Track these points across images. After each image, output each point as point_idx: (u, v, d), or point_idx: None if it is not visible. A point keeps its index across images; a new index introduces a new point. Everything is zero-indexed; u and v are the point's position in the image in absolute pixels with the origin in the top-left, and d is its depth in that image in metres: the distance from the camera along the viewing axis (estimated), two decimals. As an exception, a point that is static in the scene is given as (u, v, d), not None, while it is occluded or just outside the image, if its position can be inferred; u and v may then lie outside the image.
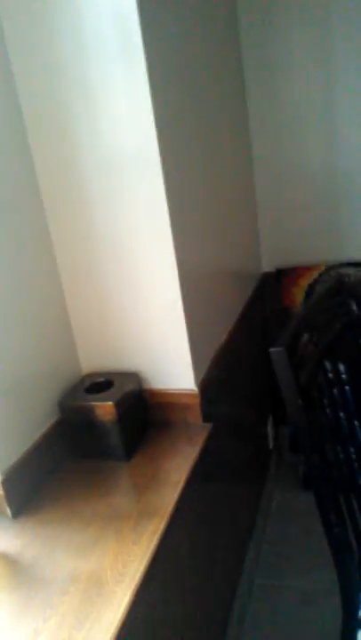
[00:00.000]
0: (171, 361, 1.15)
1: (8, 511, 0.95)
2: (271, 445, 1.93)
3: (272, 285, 1.85)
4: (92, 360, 1.19)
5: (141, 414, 1.17)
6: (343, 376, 1.13)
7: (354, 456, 1.09)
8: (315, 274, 1.76)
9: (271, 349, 0.85)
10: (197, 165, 1.21)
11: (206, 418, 1.19)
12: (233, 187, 1.55)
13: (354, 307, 1.25)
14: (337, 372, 1.08)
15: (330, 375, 1.05)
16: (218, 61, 1.41)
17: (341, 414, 1.09)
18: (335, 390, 1.06)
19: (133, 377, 1.15)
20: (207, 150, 1.29)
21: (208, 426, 1.17)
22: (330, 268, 1.74)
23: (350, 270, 1.72)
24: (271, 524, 1.80)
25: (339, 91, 1.60)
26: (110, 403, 1.06)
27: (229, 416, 1.44)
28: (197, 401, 1.16)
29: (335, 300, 1.12)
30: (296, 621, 1.46)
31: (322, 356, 1.01)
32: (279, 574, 1.61)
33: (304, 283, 1.76)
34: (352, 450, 1.09)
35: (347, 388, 1.15)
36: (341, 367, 1.14)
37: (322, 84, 1.61)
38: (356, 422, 1.16)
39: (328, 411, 1.02)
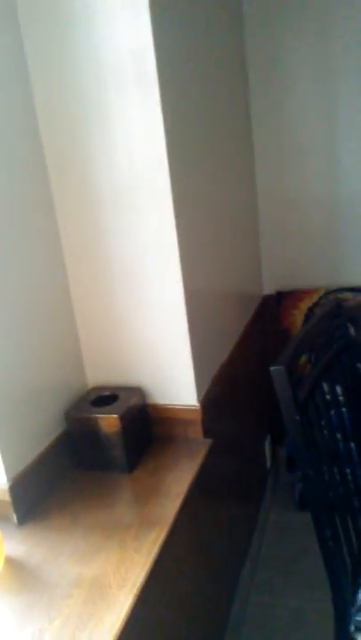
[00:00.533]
0: (174, 377, 1.19)
1: (14, 517, 0.99)
2: (269, 465, 1.96)
3: (272, 307, 1.90)
4: (99, 374, 1.24)
5: (145, 428, 1.21)
6: (340, 398, 1.18)
7: (350, 477, 1.13)
8: (314, 297, 1.81)
9: (271, 367, 0.90)
10: (205, 193, 1.27)
11: (207, 434, 1.23)
12: (238, 213, 1.61)
13: (351, 330, 1.30)
14: (334, 394, 1.13)
15: (327, 397, 1.10)
16: (227, 96, 1.49)
17: (338, 435, 1.13)
18: (332, 411, 1.10)
19: (138, 391, 1.20)
20: (215, 179, 1.35)
21: (208, 441, 1.21)
22: (329, 292, 1.80)
23: (349, 295, 1.77)
24: (267, 542, 1.82)
25: (341, 123, 1.68)
26: (115, 416, 1.10)
27: (229, 433, 1.48)
28: (199, 417, 1.20)
29: (333, 323, 1.17)
30: (291, 638, 1.47)
31: (319, 375, 1.06)
32: (274, 592, 1.63)
33: (303, 306, 1.82)
34: (348, 470, 1.13)
35: (343, 409, 1.20)
36: (338, 389, 1.19)
37: (325, 117, 1.68)
38: (352, 444, 1.20)
39: (325, 431, 1.06)
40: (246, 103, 1.71)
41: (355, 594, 1.08)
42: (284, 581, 1.66)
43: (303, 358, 1.07)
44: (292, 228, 1.84)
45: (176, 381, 1.20)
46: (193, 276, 1.17)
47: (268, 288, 1.93)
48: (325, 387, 1.11)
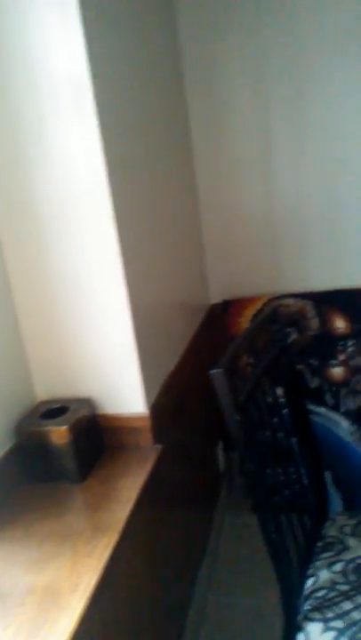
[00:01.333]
0: (123, 387, 1.23)
1: (-34, 533, 0.99)
2: (222, 468, 2.01)
3: (220, 316, 1.96)
4: (48, 387, 1.26)
5: (95, 438, 1.23)
6: (281, 399, 1.25)
7: (294, 474, 1.19)
8: (258, 305, 1.88)
9: (211, 371, 0.95)
10: (146, 207, 1.32)
11: (157, 440, 1.26)
12: (181, 226, 1.67)
13: (294, 334, 1.37)
14: (274, 394, 1.19)
15: (268, 397, 1.16)
16: (165, 112, 1.55)
17: (280, 434, 1.19)
18: (274, 411, 1.16)
19: (87, 403, 1.22)
20: (155, 193, 1.41)
21: (158, 448, 1.25)
22: (272, 299, 1.88)
23: (290, 301, 1.86)
24: (224, 544, 1.87)
25: (276, 137, 1.77)
26: (64, 427, 1.12)
27: (179, 439, 1.52)
28: (148, 424, 1.24)
29: (272, 328, 1.24)
30: (247, 637, 1.52)
31: (260, 376, 1.12)
32: (231, 592, 1.67)
33: (248, 313, 1.89)
34: (291, 467, 1.19)
35: (285, 409, 1.27)
36: (279, 391, 1.25)
37: (261, 132, 1.77)
38: (293, 440, 1.27)
39: (268, 432, 1.12)
40: (185, 118, 1.78)
41: (302, 584, 1.14)
42: (241, 581, 1.70)
43: (245, 360, 1.12)
44: (235, 239, 1.91)
45: (125, 391, 1.23)
46: (138, 288, 1.21)
47: (215, 297, 1.99)
48: (267, 387, 1.17)
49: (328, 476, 1.90)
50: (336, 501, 1.91)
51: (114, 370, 1.22)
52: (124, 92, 1.21)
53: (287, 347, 1.26)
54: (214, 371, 0.94)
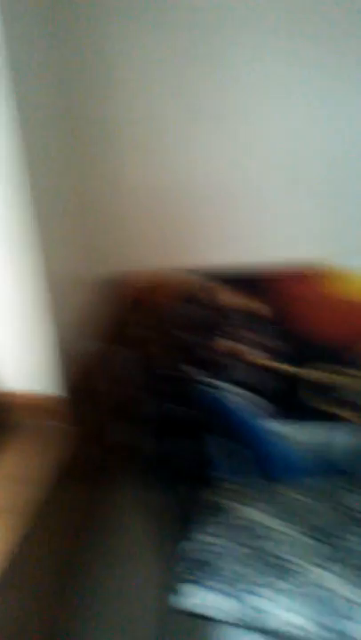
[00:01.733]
0: (36, 368, 1.17)
1: None
2: (129, 445, 2.01)
3: (114, 291, 1.94)
4: None
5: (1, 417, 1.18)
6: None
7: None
8: (151, 279, 1.88)
9: (110, 349, 0.93)
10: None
11: (66, 420, 1.22)
12: (63, 205, 1.61)
13: (185, 308, 1.38)
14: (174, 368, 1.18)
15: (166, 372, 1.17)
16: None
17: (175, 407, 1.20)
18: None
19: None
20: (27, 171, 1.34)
21: (67, 428, 1.21)
22: (165, 273, 1.88)
23: (183, 275, 1.87)
24: (113, 515, 1.87)
25: (166, 113, 1.75)
26: None
27: (96, 421, 1.49)
28: (58, 403, 1.19)
29: (173, 304, 1.23)
30: (138, 603, 1.54)
31: (157, 351, 1.12)
32: (121, 562, 1.69)
33: (140, 287, 1.88)
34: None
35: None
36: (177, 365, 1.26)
37: (148, 107, 1.75)
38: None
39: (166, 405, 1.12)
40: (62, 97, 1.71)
41: (181, 547, 1.17)
42: (130, 550, 1.72)
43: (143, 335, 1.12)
44: (124, 214, 1.86)
45: (38, 371, 1.18)
46: (54, 257, 1.16)
47: (108, 272, 1.96)
48: (165, 361, 1.17)
49: (217, 443, 1.96)
50: (225, 469, 1.98)
51: (28, 351, 1.16)
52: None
53: (172, 321, 1.26)
54: (112, 349, 0.92)
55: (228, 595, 1.03)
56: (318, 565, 1.06)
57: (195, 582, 1.06)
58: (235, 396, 1.92)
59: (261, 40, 1.67)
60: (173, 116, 1.75)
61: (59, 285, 1.26)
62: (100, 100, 1.75)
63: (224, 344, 1.89)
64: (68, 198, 1.63)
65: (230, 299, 1.86)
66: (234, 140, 1.76)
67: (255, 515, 1.21)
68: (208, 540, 1.16)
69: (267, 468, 1.96)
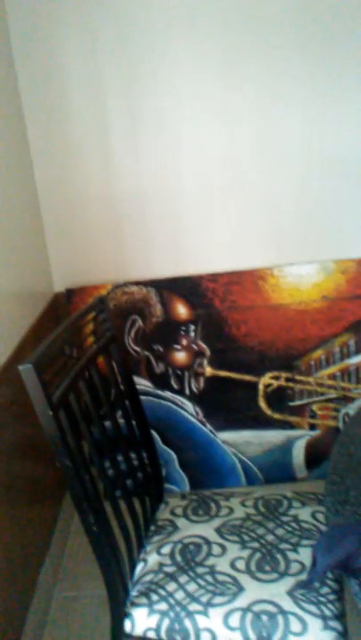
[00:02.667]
0: None
1: None
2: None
3: (64, 305, 1.91)
4: None
5: None
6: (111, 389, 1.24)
7: (123, 463, 1.19)
8: (103, 292, 1.86)
9: (19, 366, 0.90)
10: None
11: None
12: (13, 214, 1.58)
13: (139, 321, 1.36)
14: (94, 387, 1.16)
15: (94, 388, 1.14)
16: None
17: (109, 423, 1.18)
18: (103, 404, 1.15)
19: None
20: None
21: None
22: (116, 286, 1.86)
23: (135, 288, 1.86)
24: (72, 538, 1.84)
25: (112, 125, 1.74)
26: None
27: (16, 436, 1.45)
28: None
29: (98, 317, 1.22)
30: (95, 628, 1.51)
31: (82, 369, 1.09)
32: (78, 585, 1.66)
33: (92, 301, 1.85)
34: (119, 456, 1.19)
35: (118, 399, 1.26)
36: (110, 380, 1.24)
37: (98, 119, 1.73)
38: (125, 427, 1.27)
39: (94, 424, 1.10)
40: (17, 106, 1.68)
41: (133, 570, 1.15)
42: (88, 574, 1.69)
43: (67, 351, 1.09)
44: (77, 226, 1.86)
45: None
46: None
47: (59, 285, 1.93)
48: (95, 379, 1.15)
49: (174, 458, 1.96)
50: (183, 482, 1.98)
51: None
52: None
53: (115, 335, 1.25)
54: (22, 366, 0.90)
55: (180, 618, 1.02)
56: (266, 581, 1.07)
57: (147, 606, 1.05)
58: (190, 408, 1.92)
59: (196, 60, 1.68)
60: (120, 130, 1.74)
61: None
62: (61, 130, 1.73)
63: (176, 355, 1.89)
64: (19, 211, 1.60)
65: (181, 310, 1.85)
66: (178, 157, 1.77)
67: (208, 532, 1.20)
68: (160, 560, 1.14)
69: (219, 479, 1.97)
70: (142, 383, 1.90)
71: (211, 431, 1.95)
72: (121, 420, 1.21)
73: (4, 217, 1.49)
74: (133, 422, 1.28)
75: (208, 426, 1.95)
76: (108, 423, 1.14)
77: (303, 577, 1.07)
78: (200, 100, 1.71)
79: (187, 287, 1.85)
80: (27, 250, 1.69)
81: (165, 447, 1.95)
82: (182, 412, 1.94)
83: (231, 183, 1.80)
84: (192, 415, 1.94)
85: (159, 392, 1.93)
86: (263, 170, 1.79)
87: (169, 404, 1.94)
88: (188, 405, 1.94)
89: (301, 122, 1.73)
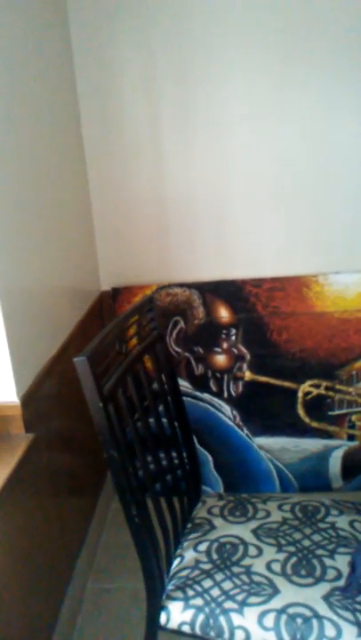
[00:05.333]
0: None
1: None
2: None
3: (109, 303, 1.95)
4: None
5: None
6: (155, 386, 1.27)
7: (164, 459, 1.22)
8: (147, 292, 1.90)
9: (75, 358, 0.94)
10: (25, 192, 1.28)
11: (30, 429, 1.24)
12: (68, 215, 1.63)
13: (181, 322, 1.39)
14: (140, 383, 1.19)
15: (141, 384, 1.18)
16: (50, 99, 1.50)
17: (152, 420, 1.21)
18: (146, 400, 1.18)
19: None
20: (37, 176, 1.36)
21: (30, 436, 1.22)
22: (160, 287, 1.90)
23: (178, 290, 1.89)
24: (107, 530, 1.88)
25: (165, 128, 1.78)
26: None
27: (59, 427, 1.50)
28: (19, 412, 1.21)
29: (146, 316, 1.25)
30: (126, 620, 1.54)
31: (131, 364, 1.13)
32: (111, 577, 1.69)
33: (137, 301, 1.89)
34: (161, 453, 1.22)
35: (161, 397, 1.29)
36: (155, 378, 1.27)
37: (152, 121, 1.77)
38: (169, 425, 1.29)
39: (140, 419, 1.13)
40: (74, 106, 1.74)
41: (170, 565, 1.18)
42: (122, 566, 1.72)
43: (116, 348, 1.12)
44: (125, 227, 1.91)
45: None
46: (11, 275, 1.18)
47: (106, 284, 1.98)
48: (141, 375, 1.18)
49: (210, 460, 1.97)
50: (217, 484, 1.99)
51: None
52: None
53: (161, 334, 1.28)
54: (77, 358, 0.93)
55: (214, 615, 1.04)
56: (301, 585, 1.07)
57: (183, 600, 1.07)
58: (227, 411, 1.94)
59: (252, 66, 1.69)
60: (173, 132, 1.78)
61: (24, 295, 1.28)
62: (114, 130, 1.78)
63: (216, 358, 1.91)
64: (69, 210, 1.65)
65: (223, 313, 1.87)
66: (230, 161, 1.79)
67: (244, 533, 1.22)
68: (197, 557, 1.16)
69: (253, 484, 1.97)
70: (181, 384, 1.93)
71: (247, 435, 1.96)
72: (163, 419, 1.23)
73: (59, 218, 1.55)
74: (175, 420, 1.31)
75: (245, 430, 1.96)
76: (150, 420, 1.17)
77: (339, 583, 1.07)
78: (252, 105, 1.73)
79: (230, 291, 1.87)
80: (78, 249, 1.74)
81: (201, 448, 1.97)
82: (220, 414, 1.96)
83: (281, 188, 1.81)
84: (229, 418, 1.96)
85: (197, 393, 1.95)
86: (315, 175, 1.79)
87: (207, 405, 1.96)
88: (226, 408, 1.95)
89: (356, 128, 1.73)
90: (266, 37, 1.66)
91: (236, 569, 1.12)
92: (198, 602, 1.06)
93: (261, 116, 1.74)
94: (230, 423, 1.95)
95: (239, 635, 1.02)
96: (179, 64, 1.71)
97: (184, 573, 1.13)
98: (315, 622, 0.99)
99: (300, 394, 1.91)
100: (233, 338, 1.89)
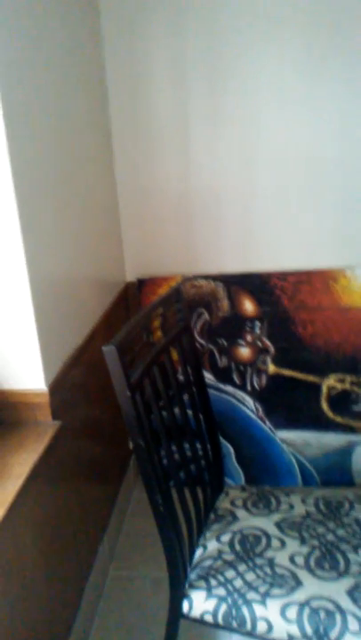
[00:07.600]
0: (19, 362, 1.20)
1: None
2: (132, 445, 2.03)
3: (135, 294, 1.96)
4: None
5: (-10, 413, 1.21)
6: (180, 377, 1.27)
7: (188, 449, 1.23)
8: (172, 284, 1.90)
9: (103, 347, 0.95)
10: (55, 180, 1.29)
11: (57, 416, 1.26)
12: (96, 207, 1.64)
13: (205, 314, 1.39)
14: (166, 373, 1.20)
15: (167, 374, 1.18)
16: (81, 90, 1.50)
17: (178, 411, 1.22)
18: (171, 390, 1.19)
19: (-18, 377, 1.19)
20: (66, 165, 1.37)
21: (57, 424, 1.24)
22: (186, 279, 1.90)
23: (203, 281, 1.89)
24: (128, 519, 1.90)
25: (192, 124, 1.77)
26: None
27: (85, 415, 1.52)
28: (47, 400, 1.22)
29: (173, 307, 1.25)
30: (147, 607, 1.56)
31: (158, 354, 1.13)
32: (132, 565, 1.71)
33: (162, 292, 1.90)
34: (185, 442, 1.23)
35: (186, 388, 1.29)
36: (181, 369, 1.27)
37: (179, 117, 1.76)
38: (193, 417, 1.30)
39: (165, 409, 1.14)
40: (104, 94, 1.74)
41: (192, 554, 1.19)
42: (142, 554, 1.74)
43: (144, 338, 1.13)
44: (151, 218, 1.91)
45: (21, 366, 1.21)
46: (42, 264, 1.19)
47: (131, 275, 1.99)
48: (167, 365, 1.19)
49: (231, 452, 1.98)
50: (238, 477, 1.99)
51: (10, 344, 1.19)
52: (35, 71, 1.16)
53: (188, 326, 1.28)
54: (106, 347, 0.94)
55: (237, 605, 1.04)
56: (325, 579, 1.07)
57: (205, 590, 1.08)
58: (250, 404, 1.93)
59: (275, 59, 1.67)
60: (200, 124, 1.77)
61: (53, 284, 1.29)
62: (142, 120, 1.78)
63: (239, 350, 1.90)
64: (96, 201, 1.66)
65: (248, 306, 1.87)
66: (257, 154, 1.77)
67: (267, 525, 1.22)
68: (220, 548, 1.17)
69: (275, 477, 1.97)
70: (205, 376, 1.93)
71: (270, 429, 1.95)
72: (188, 410, 1.24)
73: (88, 209, 1.56)
74: (199, 412, 1.32)
75: (267, 423, 1.95)
76: (175, 410, 1.17)
77: (364, 579, 1.06)
78: (282, 97, 1.71)
79: (255, 284, 1.86)
80: (105, 240, 1.75)
81: (224, 440, 1.97)
82: (242, 407, 1.96)
83: (309, 182, 1.79)
84: (252, 411, 1.95)
85: (221, 385, 1.96)
86: (344, 168, 1.76)
87: (230, 398, 1.96)
88: (249, 401, 1.95)
89: (386, 122, 1.70)
90: (300, 28, 1.64)
91: (258, 560, 1.13)
92: (221, 592, 1.07)
93: (291, 108, 1.72)
94: (253, 416, 1.95)
95: (261, 626, 1.02)
96: (209, 54, 1.70)
97: (207, 563, 1.14)
98: (338, 616, 0.99)
99: (324, 388, 1.90)
100: (257, 331, 1.88)
